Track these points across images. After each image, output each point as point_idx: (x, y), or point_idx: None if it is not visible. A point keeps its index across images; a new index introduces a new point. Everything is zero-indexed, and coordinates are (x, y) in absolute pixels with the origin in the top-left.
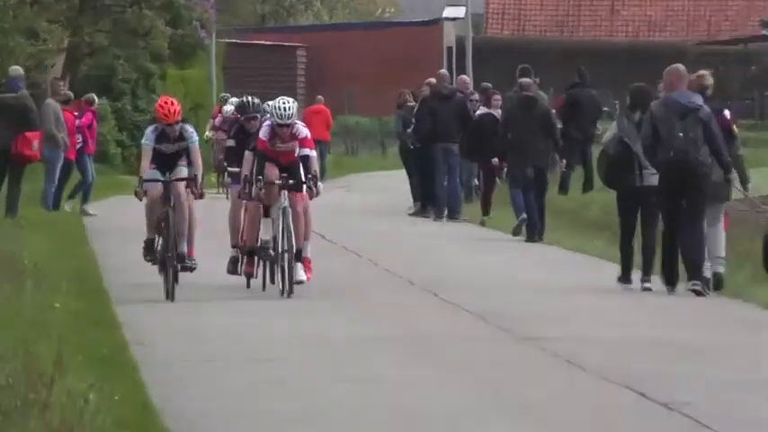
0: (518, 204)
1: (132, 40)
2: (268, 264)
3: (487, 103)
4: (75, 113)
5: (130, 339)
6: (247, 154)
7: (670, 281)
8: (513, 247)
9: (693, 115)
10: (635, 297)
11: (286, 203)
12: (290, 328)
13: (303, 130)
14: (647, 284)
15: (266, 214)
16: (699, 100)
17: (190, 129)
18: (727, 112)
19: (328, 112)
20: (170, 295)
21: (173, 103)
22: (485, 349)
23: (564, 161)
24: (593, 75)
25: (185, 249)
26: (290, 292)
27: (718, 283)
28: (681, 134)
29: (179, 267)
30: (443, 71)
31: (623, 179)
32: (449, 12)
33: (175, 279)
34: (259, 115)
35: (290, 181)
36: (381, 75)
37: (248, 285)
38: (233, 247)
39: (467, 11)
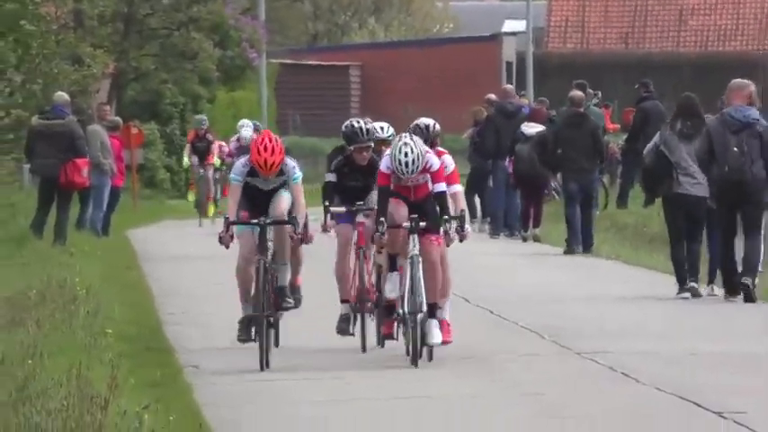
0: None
1: (180, 63)
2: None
3: (535, 119)
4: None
5: (183, 362)
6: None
7: (729, 290)
8: (568, 262)
9: (749, 130)
10: (688, 308)
11: (416, 251)
12: (344, 345)
13: (436, 161)
14: (692, 284)
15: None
16: (755, 114)
17: (291, 163)
18: None
19: None
20: (266, 363)
21: (272, 152)
22: (541, 365)
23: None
24: (659, 88)
25: (286, 281)
26: (417, 358)
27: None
28: (735, 149)
29: (282, 308)
30: (509, 86)
31: (659, 186)
32: (509, 26)
33: (275, 342)
34: (372, 143)
35: (422, 223)
36: (438, 93)
37: (364, 349)
38: (343, 302)
39: (528, 25)
